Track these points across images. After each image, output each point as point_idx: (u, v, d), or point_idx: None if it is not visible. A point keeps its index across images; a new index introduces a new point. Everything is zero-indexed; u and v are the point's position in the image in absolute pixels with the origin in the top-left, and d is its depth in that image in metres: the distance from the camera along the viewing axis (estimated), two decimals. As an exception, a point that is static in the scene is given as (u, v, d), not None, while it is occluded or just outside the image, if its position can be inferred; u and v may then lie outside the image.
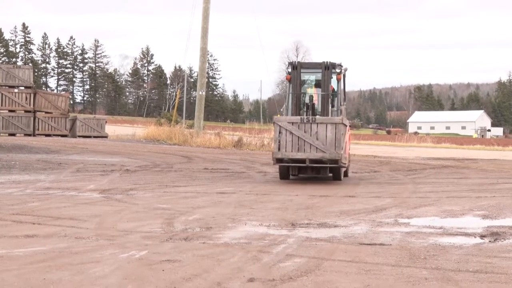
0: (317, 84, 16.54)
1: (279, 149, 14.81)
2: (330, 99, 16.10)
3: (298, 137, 14.68)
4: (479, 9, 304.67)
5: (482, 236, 8.96)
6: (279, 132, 14.84)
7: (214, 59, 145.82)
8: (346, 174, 16.74)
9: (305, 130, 14.68)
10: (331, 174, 15.80)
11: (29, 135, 37.19)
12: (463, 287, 6.17)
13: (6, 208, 10.90)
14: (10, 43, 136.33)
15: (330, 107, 16.05)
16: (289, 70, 16.33)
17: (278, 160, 14.98)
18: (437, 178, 18.89)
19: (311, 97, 16.00)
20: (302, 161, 14.82)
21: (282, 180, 15.83)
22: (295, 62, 16.48)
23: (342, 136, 14.71)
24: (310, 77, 16.86)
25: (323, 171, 15.47)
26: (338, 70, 16.35)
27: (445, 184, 16.76)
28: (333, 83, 16.47)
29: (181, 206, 11.57)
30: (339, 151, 14.56)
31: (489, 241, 8.62)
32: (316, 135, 14.63)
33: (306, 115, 15.69)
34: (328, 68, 16.00)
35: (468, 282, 6.37)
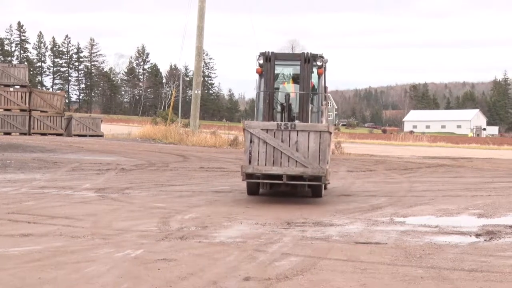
0: (294, 79, 13.92)
1: (250, 161, 11.95)
2: (310, 98, 13.45)
3: (274, 147, 11.89)
4: (474, 8, 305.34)
5: (477, 235, 8.98)
6: (251, 141, 11.99)
7: (210, 58, 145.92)
8: (325, 187, 13.82)
9: (283, 139, 11.89)
10: (309, 189, 13.05)
11: (25, 134, 37.13)
12: (458, 286, 6.18)
13: (2, 207, 10.88)
14: (5, 42, 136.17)
15: (309, 108, 13.37)
16: (261, 61, 13.44)
17: (249, 176, 12.09)
18: (433, 177, 18.91)
19: (287, 95, 13.06)
20: (278, 177, 11.96)
21: (251, 195, 13.10)
22: (268, 52, 13.43)
23: (328, 147, 12.13)
24: (285, 70, 14.17)
25: (300, 187, 12.84)
26: (319, 63, 13.47)
27: (440, 183, 16.78)
28: (313, 78, 13.81)
29: (176, 205, 11.57)
30: (324, 165, 11.80)
31: (485, 240, 8.64)
32: (296, 145, 11.86)
33: (282, 118, 13.07)
34: (308, 60, 13.26)
35: (464, 281, 6.39)
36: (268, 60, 13.39)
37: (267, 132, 11.96)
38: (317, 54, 13.48)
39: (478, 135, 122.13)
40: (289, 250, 7.77)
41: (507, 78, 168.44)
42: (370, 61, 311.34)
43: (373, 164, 23.55)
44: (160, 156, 24.01)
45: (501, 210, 11.56)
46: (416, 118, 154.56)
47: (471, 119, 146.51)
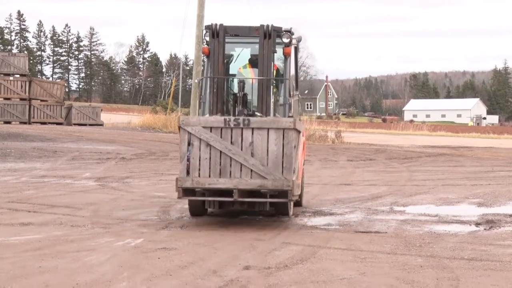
0: (253, 62, 10.27)
1: (188, 172, 8.75)
2: (272, 87, 9.78)
3: (221, 151, 8.69)
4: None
5: (477, 224, 8.99)
6: (189, 144, 8.73)
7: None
8: (299, 203, 10.45)
9: (233, 140, 8.72)
10: (272, 207, 9.39)
11: (25, 123, 37.10)
12: (458, 275, 6.18)
13: (2, 196, 10.90)
14: (5, 31, 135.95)
15: (271, 100, 9.71)
16: (207, 38, 9.76)
17: (187, 192, 8.79)
18: (433, 166, 18.91)
19: (241, 83, 9.69)
20: (227, 192, 8.69)
21: (196, 216, 9.49)
22: (215, 25, 9.73)
23: (294, 150, 8.86)
24: (244, 50, 10.63)
25: (260, 205, 9.09)
26: (286, 40, 9.87)
27: (440, 172, 16.79)
28: (278, 60, 10.31)
29: (177, 194, 11.55)
30: (289, 176, 8.63)
31: (484, 229, 8.65)
32: (251, 148, 8.69)
33: (234, 113, 9.63)
34: (269, 35, 9.64)
35: (463, 269, 6.39)
36: (216, 36, 9.76)
37: (211, 131, 8.78)
38: (281, 28, 9.97)
39: (478, 124, 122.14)
40: (289, 239, 7.78)
41: (507, 67, 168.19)
42: (370, 50, 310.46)
43: (373, 153, 23.55)
44: (160, 145, 24.01)
45: (500, 199, 11.57)
46: (416, 107, 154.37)
47: (471, 108, 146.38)
